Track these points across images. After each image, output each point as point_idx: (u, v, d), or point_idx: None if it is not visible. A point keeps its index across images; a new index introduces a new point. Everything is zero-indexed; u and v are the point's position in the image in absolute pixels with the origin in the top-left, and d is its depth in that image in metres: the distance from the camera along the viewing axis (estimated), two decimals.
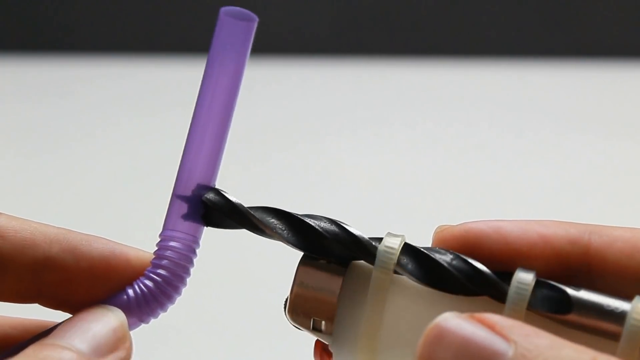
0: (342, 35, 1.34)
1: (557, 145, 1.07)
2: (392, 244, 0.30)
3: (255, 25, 0.33)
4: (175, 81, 1.26)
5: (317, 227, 0.31)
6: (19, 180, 0.98)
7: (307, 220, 0.31)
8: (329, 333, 0.30)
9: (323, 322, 0.30)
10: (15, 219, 0.31)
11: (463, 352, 0.25)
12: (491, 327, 0.26)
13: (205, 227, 0.32)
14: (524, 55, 1.31)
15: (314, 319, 0.30)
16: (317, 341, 0.31)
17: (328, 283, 0.31)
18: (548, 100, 1.20)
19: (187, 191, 0.32)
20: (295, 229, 0.31)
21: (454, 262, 0.30)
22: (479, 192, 0.95)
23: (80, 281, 0.31)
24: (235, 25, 0.33)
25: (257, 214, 0.31)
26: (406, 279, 0.30)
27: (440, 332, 0.26)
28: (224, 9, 0.34)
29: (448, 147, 1.06)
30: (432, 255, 0.30)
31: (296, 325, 0.31)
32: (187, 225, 0.32)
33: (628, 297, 0.28)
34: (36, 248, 0.31)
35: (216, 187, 0.32)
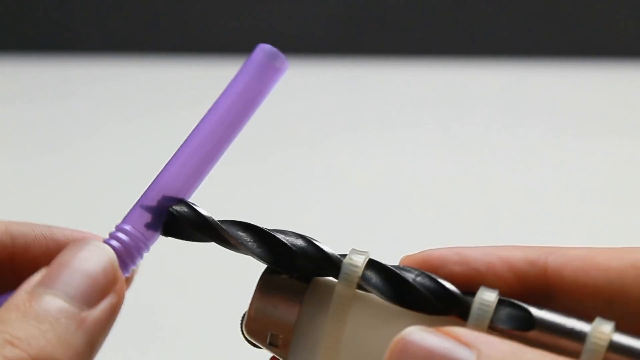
0: (341, 35, 1.34)
1: (556, 145, 1.07)
2: (357, 258, 0.30)
3: (284, 72, 0.34)
4: (175, 81, 1.26)
5: (286, 242, 0.31)
6: (19, 180, 0.98)
7: (277, 235, 0.31)
8: (286, 349, 0.30)
9: (280, 337, 0.30)
10: None
11: None
12: (455, 338, 0.26)
13: (160, 237, 0.32)
14: (524, 55, 1.31)
15: (271, 334, 0.30)
16: (272, 358, 0.31)
17: (289, 297, 0.30)
18: (548, 100, 1.20)
19: (158, 197, 0.32)
20: (265, 243, 0.31)
21: (419, 279, 0.30)
22: (479, 192, 0.95)
23: (19, 260, 0.32)
24: (266, 67, 0.34)
25: (227, 228, 0.31)
26: (369, 297, 0.30)
27: (404, 345, 0.26)
28: (262, 46, 0.34)
29: (448, 147, 1.06)
30: (397, 271, 0.30)
31: (252, 341, 0.31)
32: (144, 229, 0.32)
33: (586, 314, 0.29)
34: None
35: (186, 200, 0.33)
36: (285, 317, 0.30)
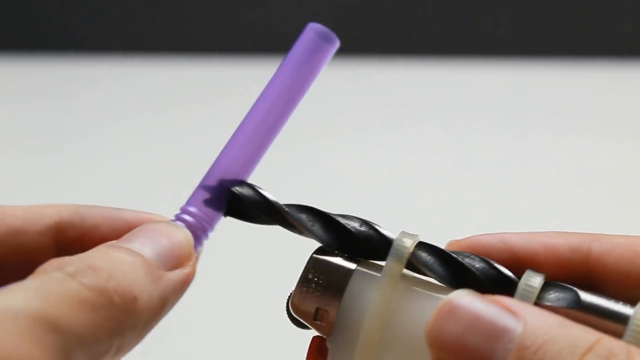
0: (341, 35, 1.33)
1: (556, 145, 1.07)
2: (408, 239, 0.31)
3: (335, 49, 0.35)
4: (175, 81, 1.26)
5: (349, 226, 0.31)
6: (19, 179, 0.98)
7: (339, 219, 0.32)
8: (330, 325, 0.31)
9: (327, 312, 0.31)
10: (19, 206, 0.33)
11: (473, 327, 0.26)
12: (503, 306, 0.26)
13: (223, 217, 0.33)
14: (524, 55, 1.31)
15: (317, 308, 0.31)
16: (313, 339, 0.32)
17: (338, 275, 0.31)
18: (548, 100, 1.20)
19: (219, 178, 0.33)
20: (327, 226, 0.32)
21: (471, 260, 0.31)
22: (480, 191, 0.95)
23: (88, 239, 0.33)
24: (318, 45, 0.34)
25: (290, 211, 0.32)
26: (416, 277, 0.31)
27: (452, 308, 0.26)
28: (312, 25, 0.34)
29: (448, 146, 1.06)
30: (449, 252, 0.31)
31: (297, 317, 0.31)
32: (208, 210, 0.32)
33: (628, 301, 0.29)
34: (46, 215, 0.33)
35: (250, 182, 0.33)
36: (333, 293, 0.31)
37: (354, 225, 0.32)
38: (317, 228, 0.32)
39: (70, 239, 0.33)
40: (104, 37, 1.35)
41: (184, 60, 1.31)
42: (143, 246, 0.29)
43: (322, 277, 0.31)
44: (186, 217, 0.32)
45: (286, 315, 0.32)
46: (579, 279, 0.31)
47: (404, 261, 0.30)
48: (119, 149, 1.06)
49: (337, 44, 0.35)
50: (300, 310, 0.31)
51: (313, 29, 0.34)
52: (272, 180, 1.02)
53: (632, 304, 0.29)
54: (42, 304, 0.25)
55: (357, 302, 0.31)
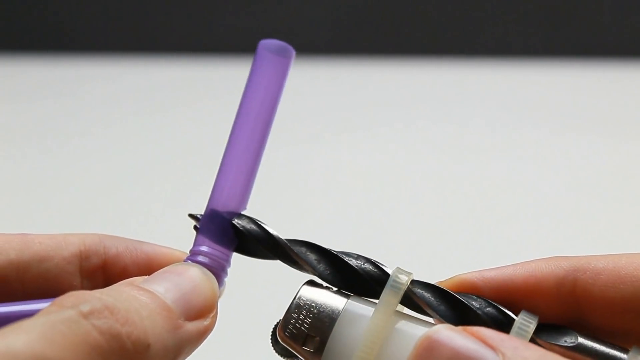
0: (342, 35, 1.34)
1: (556, 145, 1.07)
2: (403, 274, 0.31)
3: (292, 59, 0.34)
4: (175, 81, 1.26)
5: (353, 265, 0.31)
6: (19, 179, 0.98)
7: (343, 257, 0.32)
8: (319, 353, 0.30)
9: (316, 340, 0.31)
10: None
11: None
12: (482, 340, 0.26)
13: (233, 253, 0.33)
14: (524, 55, 1.31)
15: (307, 335, 0.31)
16: None
17: (330, 303, 0.31)
18: (548, 100, 1.20)
19: (220, 213, 0.32)
20: (330, 264, 0.32)
21: (466, 297, 0.31)
22: (479, 192, 0.95)
23: (111, 267, 0.33)
24: (272, 60, 0.34)
25: (294, 247, 0.32)
26: (407, 317, 0.31)
27: (430, 344, 0.26)
28: (263, 43, 0.34)
29: (448, 147, 1.05)
30: (445, 289, 0.31)
31: (284, 343, 0.31)
32: (219, 247, 0.32)
33: (617, 328, 0.30)
34: (71, 243, 0.33)
35: (251, 216, 0.33)
36: (324, 321, 0.31)
37: (358, 263, 0.31)
38: (321, 265, 0.32)
39: (94, 266, 0.33)
40: (103, 37, 1.35)
41: (183, 60, 1.31)
42: (167, 292, 0.28)
43: (314, 305, 0.31)
44: (202, 258, 0.31)
45: (270, 344, 0.31)
46: (567, 311, 0.31)
47: (400, 293, 0.30)
48: (118, 149, 1.06)
49: (292, 55, 0.34)
50: (289, 335, 0.31)
51: (265, 46, 0.34)
52: (271, 180, 1.02)
53: (622, 331, 0.30)
54: (45, 346, 0.24)
55: (349, 331, 0.30)
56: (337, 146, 1.06)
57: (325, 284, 0.32)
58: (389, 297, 0.30)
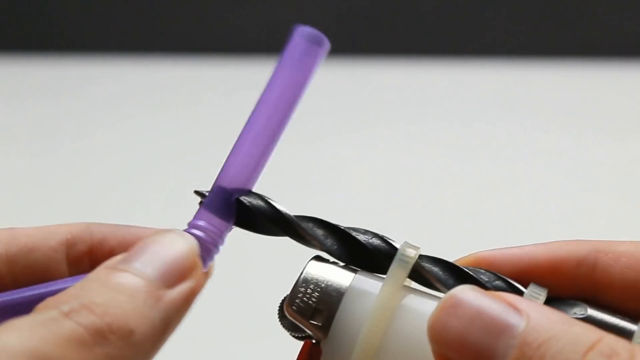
0: (342, 35, 1.33)
1: (556, 144, 1.07)
2: (411, 248, 0.31)
3: (326, 50, 0.34)
4: (175, 81, 1.26)
5: (361, 239, 0.31)
6: (19, 178, 0.98)
7: (352, 232, 0.32)
8: (327, 327, 0.30)
9: (324, 314, 0.30)
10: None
11: (477, 322, 0.26)
12: (506, 302, 0.26)
13: (232, 228, 0.33)
14: (524, 55, 1.31)
15: (315, 309, 0.30)
16: (306, 342, 0.31)
17: (338, 277, 0.31)
18: (548, 100, 1.20)
19: (225, 189, 0.32)
20: (339, 239, 0.32)
21: (475, 271, 0.31)
22: (480, 191, 0.95)
23: (97, 252, 0.34)
24: (304, 48, 0.34)
25: (303, 224, 0.32)
26: (416, 291, 0.31)
27: (455, 302, 0.26)
28: (299, 30, 0.34)
29: (447, 147, 1.06)
30: (452, 262, 0.31)
31: (292, 317, 0.31)
32: (216, 221, 0.32)
33: (636, 310, 0.30)
34: (57, 233, 0.34)
35: (260, 194, 0.33)
36: (332, 295, 0.30)
37: (366, 237, 0.31)
38: (328, 241, 0.31)
39: (80, 252, 0.34)
40: (103, 37, 1.35)
41: (183, 60, 1.31)
42: (145, 265, 0.28)
43: (321, 279, 0.31)
44: (195, 231, 0.31)
45: (278, 319, 0.31)
46: (583, 291, 0.31)
47: (409, 267, 0.30)
48: (118, 148, 1.06)
49: (327, 45, 0.34)
50: (296, 309, 0.31)
51: (301, 33, 0.34)
52: (270, 179, 1.02)
53: (636, 313, 0.29)
54: (38, 343, 0.25)
55: (357, 305, 0.30)
56: (337, 146, 1.06)
57: (332, 260, 0.31)
58: (397, 271, 0.30)
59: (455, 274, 0.30)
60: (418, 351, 0.29)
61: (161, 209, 0.88)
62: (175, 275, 0.29)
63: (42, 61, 1.32)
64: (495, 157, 1.03)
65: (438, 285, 0.30)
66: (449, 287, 0.30)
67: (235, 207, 0.32)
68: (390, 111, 1.17)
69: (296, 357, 0.31)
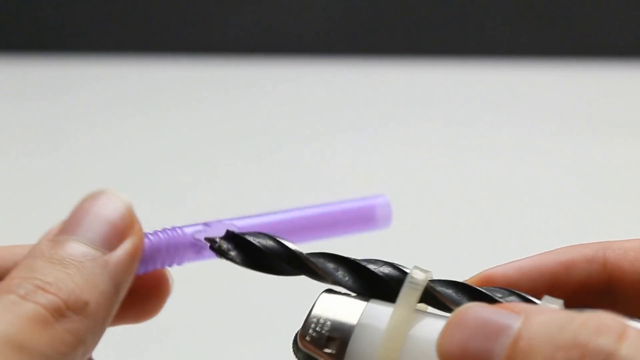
0: (340, 35, 1.33)
1: (556, 145, 1.07)
2: (421, 271, 0.31)
3: (376, 227, 0.36)
4: (175, 81, 1.26)
5: (377, 272, 0.31)
6: (19, 178, 0.98)
7: (366, 264, 0.32)
8: (341, 355, 0.30)
9: (337, 342, 0.30)
10: None
11: (477, 331, 0.26)
12: (507, 309, 0.27)
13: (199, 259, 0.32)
14: (524, 55, 1.31)
15: (328, 337, 0.31)
16: None
17: (350, 305, 0.31)
18: (548, 100, 1.20)
19: (222, 229, 0.32)
20: (354, 273, 0.32)
21: (489, 290, 0.31)
22: (480, 191, 0.95)
23: None
24: (374, 218, 0.35)
25: (315, 260, 0.32)
26: (428, 314, 0.31)
27: (460, 317, 0.27)
28: (384, 201, 0.35)
29: (447, 147, 1.06)
30: (465, 282, 0.31)
31: (307, 349, 0.31)
32: (190, 250, 0.32)
33: None
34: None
35: (272, 234, 0.33)
36: (344, 322, 0.31)
37: (376, 267, 0.32)
38: (340, 273, 0.32)
39: None
40: (102, 37, 1.35)
41: (183, 60, 1.31)
42: (85, 232, 0.29)
43: (334, 310, 0.31)
44: (163, 233, 0.31)
45: (293, 352, 0.31)
46: (599, 288, 0.31)
47: (419, 290, 0.30)
48: (117, 149, 1.06)
49: (386, 225, 0.36)
50: (309, 340, 0.31)
51: (383, 204, 0.36)
52: (270, 179, 1.01)
53: None
54: (7, 327, 0.26)
55: (370, 331, 0.30)
56: (337, 145, 1.06)
57: (344, 291, 0.32)
58: (407, 295, 0.30)
59: (469, 294, 0.31)
60: None
61: (161, 209, 0.88)
62: (117, 235, 0.29)
63: (42, 61, 1.32)
64: (495, 157, 1.03)
65: (453, 306, 0.30)
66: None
67: (246, 250, 0.32)
68: (390, 111, 1.17)
69: None
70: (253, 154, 1.01)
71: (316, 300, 0.31)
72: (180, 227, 0.32)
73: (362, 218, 0.35)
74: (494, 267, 0.32)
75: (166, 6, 1.35)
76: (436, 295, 0.31)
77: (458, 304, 0.30)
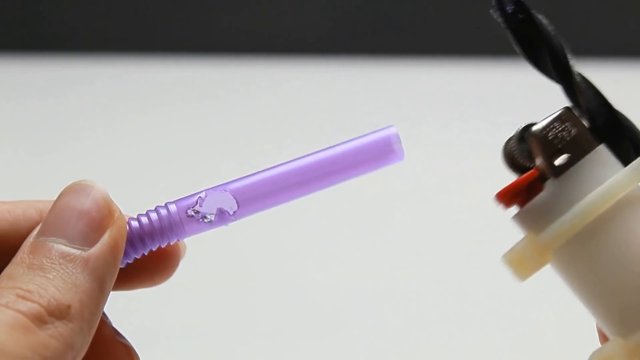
0: (341, 35, 1.33)
1: None
2: None
3: (391, 163, 0.34)
4: (175, 81, 1.26)
5: (622, 121, 0.31)
6: (19, 178, 0.98)
7: (617, 111, 0.32)
8: (561, 171, 0.29)
9: (564, 159, 0.29)
10: (4, 202, 0.33)
11: None
12: None
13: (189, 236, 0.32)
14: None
15: (559, 149, 0.29)
16: (533, 171, 0.31)
17: (588, 134, 0.30)
18: (549, 100, 1.20)
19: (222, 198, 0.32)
20: (601, 108, 0.31)
21: None
22: (479, 192, 0.95)
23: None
24: (385, 150, 0.34)
25: (581, 81, 0.31)
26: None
27: None
28: (395, 132, 0.33)
29: (447, 147, 1.06)
30: None
31: (532, 146, 0.30)
32: (187, 224, 0.31)
33: None
34: (30, 220, 0.32)
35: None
36: (580, 144, 0.30)
37: (628, 122, 0.31)
38: (593, 102, 0.31)
39: None
40: (103, 37, 1.35)
41: (183, 60, 1.31)
42: (60, 233, 0.28)
43: (575, 126, 0.30)
44: (156, 214, 0.30)
45: (506, 143, 0.30)
46: None
47: None
48: (117, 149, 1.06)
49: (398, 161, 0.34)
50: (542, 140, 0.30)
51: (393, 136, 0.34)
52: None
53: None
54: None
55: (598, 169, 0.29)
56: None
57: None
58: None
59: None
60: (624, 248, 0.28)
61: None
62: (95, 229, 0.28)
63: (42, 61, 1.32)
64: (494, 157, 1.03)
65: None
66: None
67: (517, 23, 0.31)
68: (390, 111, 1.17)
69: (513, 181, 0.30)
70: (253, 154, 1.01)
71: (561, 109, 0.31)
72: (174, 201, 0.31)
73: (378, 152, 0.34)
74: None
75: (166, 6, 1.35)
76: None
77: None
